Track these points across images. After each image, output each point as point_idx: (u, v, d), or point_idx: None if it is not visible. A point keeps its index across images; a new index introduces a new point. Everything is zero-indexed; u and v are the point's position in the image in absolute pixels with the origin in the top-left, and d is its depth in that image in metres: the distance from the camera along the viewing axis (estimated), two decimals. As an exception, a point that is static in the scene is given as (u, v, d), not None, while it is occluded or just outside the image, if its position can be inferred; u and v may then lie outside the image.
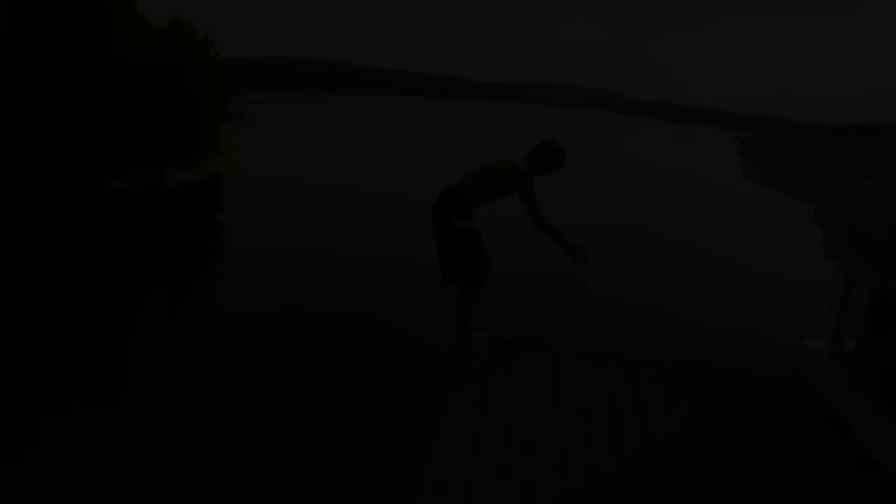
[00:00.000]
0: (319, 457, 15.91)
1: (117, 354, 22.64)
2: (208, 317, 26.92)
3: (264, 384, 19.90)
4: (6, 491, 14.08)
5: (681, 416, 4.59)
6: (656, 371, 5.26)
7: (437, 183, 6.35)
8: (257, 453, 16.14)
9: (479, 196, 6.16)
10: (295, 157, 75.22)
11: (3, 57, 43.56)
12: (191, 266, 34.84)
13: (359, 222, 43.10)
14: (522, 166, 6.12)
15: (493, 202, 6.25)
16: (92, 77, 48.46)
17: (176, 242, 40.44)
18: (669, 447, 4.28)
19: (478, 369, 5.85)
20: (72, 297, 27.65)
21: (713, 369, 5.13)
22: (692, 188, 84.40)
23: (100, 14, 48.45)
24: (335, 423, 17.81)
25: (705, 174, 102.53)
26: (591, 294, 31.87)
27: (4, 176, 42.95)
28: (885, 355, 4.53)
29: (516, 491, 4.15)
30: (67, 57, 47.09)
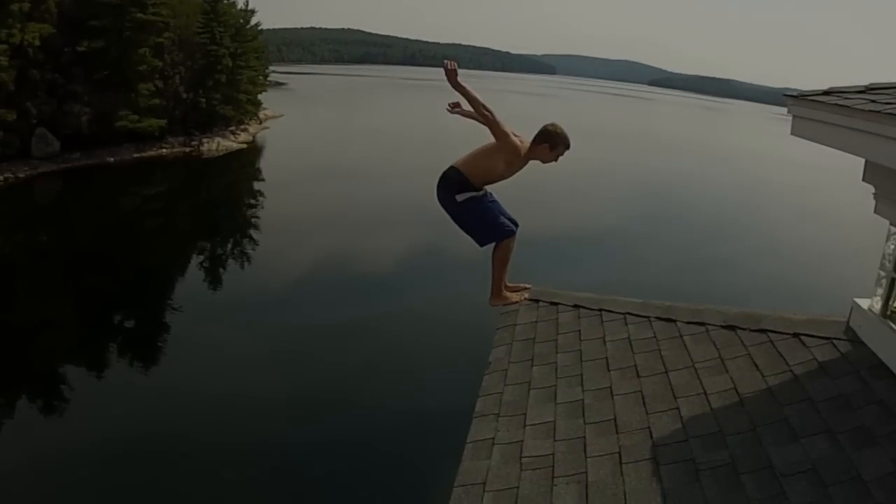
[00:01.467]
0: (361, 419, 16.06)
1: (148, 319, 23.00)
2: (242, 280, 27.17)
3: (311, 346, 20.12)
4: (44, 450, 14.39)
5: (733, 375, 4.49)
6: (705, 331, 5.15)
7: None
8: (310, 410, 16.40)
9: (481, 177, 6.08)
10: (333, 126, 75.41)
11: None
12: (222, 232, 35.21)
13: (392, 190, 43.23)
14: (516, 141, 5.98)
15: (497, 181, 6.18)
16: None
17: (208, 209, 40.92)
18: (724, 406, 4.20)
19: (522, 329, 5.79)
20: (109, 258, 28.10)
21: (763, 328, 5.01)
22: (737, 155, 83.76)
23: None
24: (376, 384, 17.94)
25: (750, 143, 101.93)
26: (635, 255, 31.81)
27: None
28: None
29: (566, 451, 4.09)
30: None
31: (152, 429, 15.14)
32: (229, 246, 32.92)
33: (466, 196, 6.02)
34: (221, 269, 28.89)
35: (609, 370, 4.88)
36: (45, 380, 18.16)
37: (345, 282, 26.38)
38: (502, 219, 6.16)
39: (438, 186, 6.12)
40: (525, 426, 4.44)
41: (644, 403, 4.39)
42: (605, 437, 4.14)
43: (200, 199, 43.89)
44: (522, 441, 4.28)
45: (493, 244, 6.23)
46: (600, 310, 5.76)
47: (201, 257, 30.64)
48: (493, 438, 4.39)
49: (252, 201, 42.92)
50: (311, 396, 17.16)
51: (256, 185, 47.19)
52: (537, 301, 6.23)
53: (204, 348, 19.53)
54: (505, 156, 5.95)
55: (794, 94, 5.21)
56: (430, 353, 19.66)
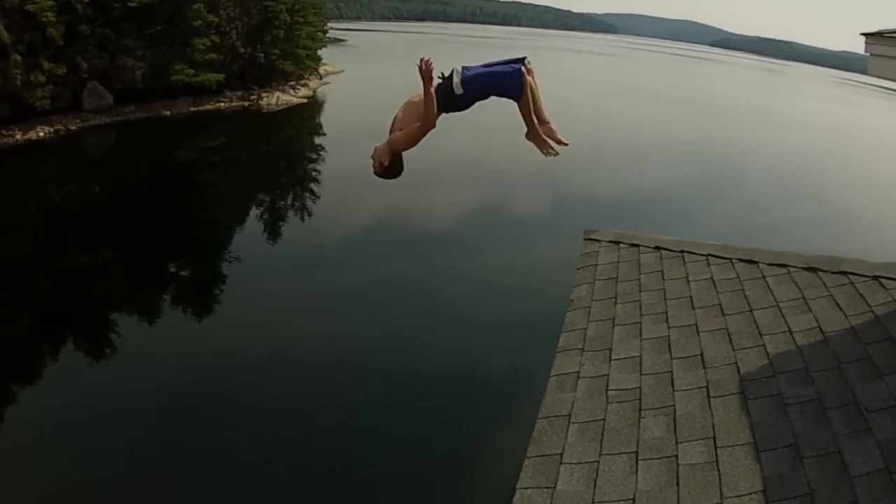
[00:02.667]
0: (435, 359, 16.22)
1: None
2: (302, 232, 27.35)
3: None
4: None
5: (816, 315, 4.53)
6: (787, 272, 5.18)
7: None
8: (391, 350, 16.59)
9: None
10: (394, 81, 75.16)
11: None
12: (280, 185, 35.47)
13: (452, 145, 43.12)
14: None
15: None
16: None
17: (267, 162, 41.22)
18: (809, 343, 4.24)
19: (603, 269, 5.84)
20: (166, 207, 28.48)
21: (843, 270, 5.04)
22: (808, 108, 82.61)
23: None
24: (448, 328, 18.06)
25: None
26: (716, 201, 31.77)
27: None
28: None
29: (653, 385, 4.16)
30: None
31: (205, 379, 15.06)
32: (288, 198, 33.08)
33: (455, 81, 5.43)
34: (280, 222, 29.01)
35: (694, 308, 4.95)
36: (96, 328, 18.27)
37: (413, 231, 26.52)
38: (502, 66, 5.61)
39: (451, 104, 5.64)
40: (610, 360, 4.53)
41: (730, 340, 4.46)
42: (693, 371, 4.21)
43: (259, 152, 44.07)
44: (608, 375, 4.37)
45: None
46: (682, 251, 5.81)
47: (259, 210, 30.77)
48: (578, 372, 4.47)
49: (312, 155, 42.96)
50: (389, 337, 17.17)
51: (317, 140, 47.17)
52: (618, 243, 6.29)
53: (260, 300, 19.54)
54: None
55: (870, 32, 5.16)
56: (504, 295, 19.68)
